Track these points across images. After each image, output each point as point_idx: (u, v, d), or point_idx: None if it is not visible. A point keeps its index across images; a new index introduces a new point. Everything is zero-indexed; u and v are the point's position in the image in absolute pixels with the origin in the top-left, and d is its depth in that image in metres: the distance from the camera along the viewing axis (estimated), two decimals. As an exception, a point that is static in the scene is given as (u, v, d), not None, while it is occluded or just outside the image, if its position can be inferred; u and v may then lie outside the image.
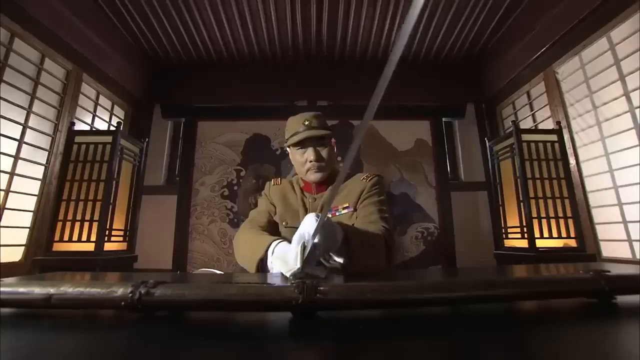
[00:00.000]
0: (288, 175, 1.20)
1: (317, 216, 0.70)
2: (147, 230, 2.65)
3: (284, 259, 0.70)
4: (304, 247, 0.63)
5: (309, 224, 0.67)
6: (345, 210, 1.01)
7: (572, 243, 1.92)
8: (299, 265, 0.62)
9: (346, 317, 0.36)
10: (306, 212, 1.04)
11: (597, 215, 1.99)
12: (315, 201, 1.06)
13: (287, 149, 1.12)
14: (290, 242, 1.01)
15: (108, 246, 1.96)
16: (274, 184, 1.18)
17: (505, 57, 2.70)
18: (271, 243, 0.84)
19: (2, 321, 0.34)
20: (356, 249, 0.76)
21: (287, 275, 0.64)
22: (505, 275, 0.70)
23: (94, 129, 2.43)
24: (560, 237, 1.93)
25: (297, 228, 0.70)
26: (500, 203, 2.28)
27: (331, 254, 0.76)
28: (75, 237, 1.87)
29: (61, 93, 2.15)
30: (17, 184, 1.84)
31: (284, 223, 1.07)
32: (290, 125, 1.07)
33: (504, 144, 2.24)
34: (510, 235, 2.18)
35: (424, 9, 2.40)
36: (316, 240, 0.64)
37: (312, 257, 0.65)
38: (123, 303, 0.34)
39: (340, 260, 0.77)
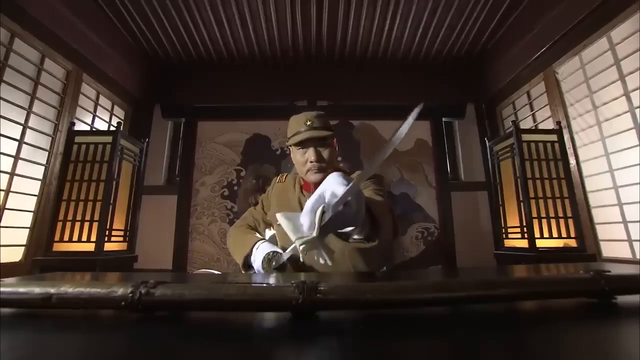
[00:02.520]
0: (292, 172, 1.19)
1: (343, 177, 0.54)
2: (147, 230, 2.65)
3: (294, 224, 0.56)
4: (323, 212, 0.50)
5: (333, 183, 0.53)
6: None
7: (572, 243, 1.92)
8: (315, 234, 0.49)
9: (346, 317, 0.36)
10: (302, 211, 1.03)
11: (597, 215, 1.99)
12: None
13: (289, 148, 1.12)
14: (276, 243, 1.05)
15: (108, 246, 1.97)
16: (278, 181, 1.18)
17: (505, 57, 2.70)
18: (255, 243, 0.95)
19: (2, 321, 0.34)
20: (381, 222, 0.66)
21: (297, 244, 0.52)
22: (505, 275, 0.70)
23: (94, 129, 2.43)
24: (560, 237, 1.94)
25: None
26: (500, 203, 2.28)
27: (350, 229, 0.62)
28: (75, 237, 1.87)
29: (61, 93, 2.15)
30: (17, 184, 1.84)
31: (277, 222, 1.07)
32: (292, 125, 1.07)
33: (504, 144, 2.25)
34: (510, 235, 2.18)
35: (424, 8, 2.40)
36: (345, 204, 0.51)
37: (333, 224, 0.51)
38: (123, 303, 0.34)
39: (359, 237, 0.68)
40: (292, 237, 0.53)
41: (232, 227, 1.16)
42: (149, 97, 2.97)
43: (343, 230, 0.60)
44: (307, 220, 0.52)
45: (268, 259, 0.89)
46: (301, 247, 0.51)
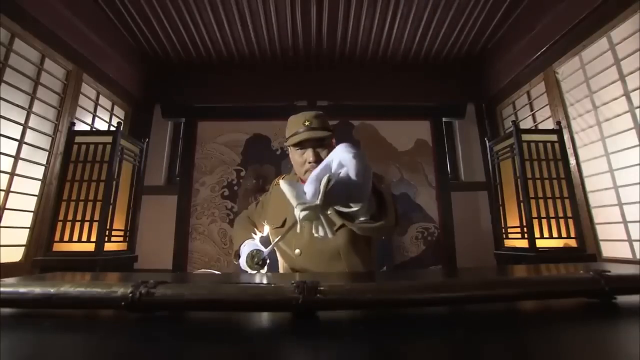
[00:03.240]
0: (291, 172, 1.22)
1: (352, 147, 0.50)
2: (147, 230, 2.65)
3: (297, 191, 0.51)
4: (329, 180, 0.47)
5: (341, 152, 0.49)
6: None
7: (572, 243, 1.92)
8: (318, 201, 0.46)
9: (346, 317, 0.36)
10: None
11: (597, 215, 1.99)
12: None
13: (288, 148, 1.13)
14: (268, 242, 1.13)
15: (108, 246, 1.96)
16: (275, 184, 1.20)
17: (505, 57, 2.70)
18: (244, 241, 1.09)
19: (2, 321, 0.34)
20: (387, 201, 0.63)
21: (298, 210, 0.48)
22: (505, 275, 0.70)
23: (94, 129, 2.43)
24: (560, 237, 1.93)
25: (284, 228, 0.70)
26: (500, 203, 2.28)
27: (355, 209, 0.55)
28: (75, 237, 1.87)
29: (61, 93, 2.15)
30: (17, 184, 1.84)
31: (272, 225, 1.11)
32: (291, 125, 1.07)
33: (504, 144, 2.24)
34: (510, 235, 2.18)
35: (425, 8, 2.40)
36: (352, 174, 0.47)
37: (338, 194, 0.47)
38: (123, 303, 0.34)
39: (365, 218, 0.64)
40: (294, 202, 0.49)
41: (240, 214, 1.32)
42: (149, 97, 2.97)
43: (348, 211, 0.55)
44: (311, 188, 0.48)
45: (251, 256, 1.00)
46: (302, 215, 0.47)
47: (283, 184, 0.51)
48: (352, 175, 0.47)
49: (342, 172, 0.47)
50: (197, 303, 0.35)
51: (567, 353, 0.25)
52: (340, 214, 0.56)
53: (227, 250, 2.68)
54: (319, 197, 0.46)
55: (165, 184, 2.88)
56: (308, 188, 0.48)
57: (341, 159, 0.48)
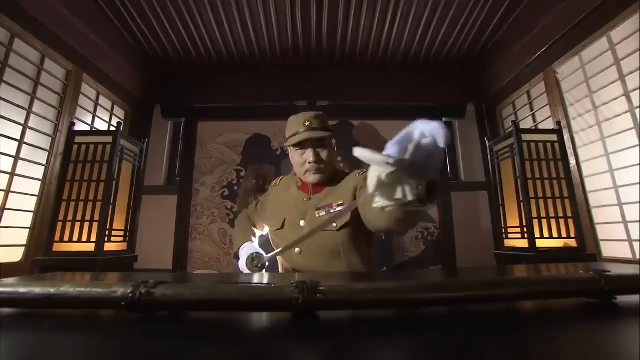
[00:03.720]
0: (291, 173, 1.22)
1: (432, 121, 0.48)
2: (147, 230, 2.65)
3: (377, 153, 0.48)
4: (417, 144, 0.45)
5: (423, 124, 0.47)
6: (339, 208, 1.00)
7: (572, 243, 1.92)
8: (408, 156, 0.45)
9: (346, 317, 0.36)
10: (298, 212, 1.06)
11: (597, 215, 1.99)
12: (310, 200, 1.06)
13: (288, 148, 1.13)
14: (267, 242, 1.14)
15: (108, 246, 1.96)
16: (273, 185, 1.20)
17: (505, 57, 2.70)
18: (243, 243, 1.10)
19: (2, 321, 0.34)
20: (438, 186, 0.63)
21: (387, 163, 0.46)
22: (505, 275, 0.70)
23: (94, 129, 2.42)
24: (560, 237, 1.93)
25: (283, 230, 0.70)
26: (500, 203, 2.28)
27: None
28: (75, 238, 1.87)
29: (61, 93, 2.15)
30: (17, 184, 1.84)
31: (271, 227, 1.12)
32: (291, 125, 1.07)
33: (504, 144, 2.24)
34: (510, 235, 2.18)
35: (425, 7, 2.40)
36: (440, 141, 0.45)
37: (425, 155, 0.45)
38: (123, 303, 0.34)
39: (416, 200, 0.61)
40: (380, 159, 0.46)
41: (240, 214, 1.33)
42: (149, 97, 2.97)
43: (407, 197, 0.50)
44: (395, 148, 0.46)
45: (251, 259, 0.98)
46: (387, 173, 0.46)
47: (359, 150, 0.48)
48: (441, 143, 0.45)
49: (426, 141, 0.45)
50: (197, 303, 0.35)
51: (567, 353, 0.25)
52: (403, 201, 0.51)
53: (227, 250, 2.68)
54: (409, 153, 0.44)
55: (165, 184, 2.88)
56: (392, 149, 0.46)
57: (424, 129, 0.46)
